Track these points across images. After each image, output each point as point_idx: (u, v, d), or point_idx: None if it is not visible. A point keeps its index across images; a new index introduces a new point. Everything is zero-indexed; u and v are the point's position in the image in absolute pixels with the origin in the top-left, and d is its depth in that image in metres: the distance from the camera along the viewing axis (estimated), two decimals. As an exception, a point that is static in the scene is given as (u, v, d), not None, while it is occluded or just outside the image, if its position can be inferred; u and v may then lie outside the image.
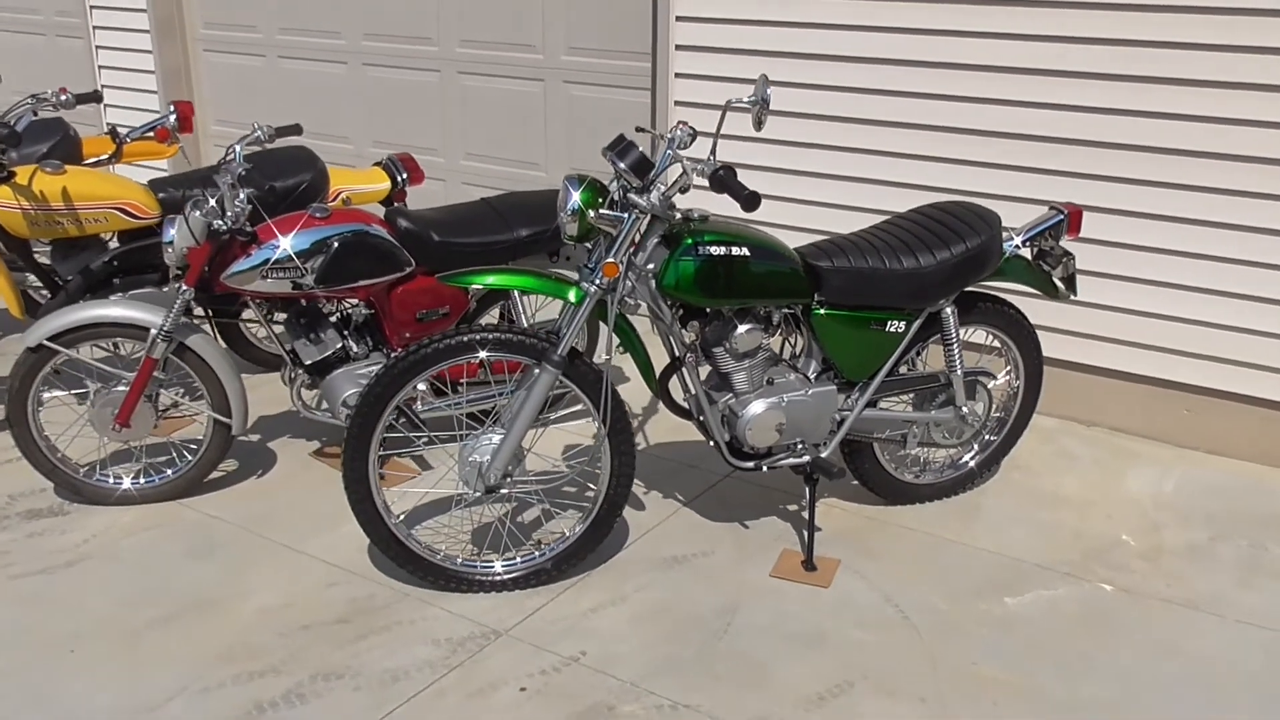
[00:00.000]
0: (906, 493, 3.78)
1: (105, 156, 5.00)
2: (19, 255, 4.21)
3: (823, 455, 3.43)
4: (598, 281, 3.01)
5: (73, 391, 4.46)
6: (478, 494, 3.17)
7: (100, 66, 7.52)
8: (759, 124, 2.82)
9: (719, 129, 2.95)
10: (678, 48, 5.11)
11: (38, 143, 4.45)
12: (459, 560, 3.30)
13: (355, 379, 3.79)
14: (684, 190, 2.91)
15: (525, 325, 4.01)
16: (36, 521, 3.68)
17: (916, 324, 3.40)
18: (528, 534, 3.57)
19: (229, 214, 3.49)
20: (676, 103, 5.20)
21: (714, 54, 4.99)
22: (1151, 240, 4.12)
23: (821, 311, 3.31)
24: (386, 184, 4.74)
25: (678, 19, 5.07)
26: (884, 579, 3.39)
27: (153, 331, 3.55)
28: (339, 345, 3.82)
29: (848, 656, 3.02)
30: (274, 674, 2.93)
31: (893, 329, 3.36)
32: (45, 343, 3.51)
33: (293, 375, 3.89)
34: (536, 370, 3.08)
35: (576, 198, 2.98)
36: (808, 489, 3.48)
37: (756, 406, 3.30)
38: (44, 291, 4.45)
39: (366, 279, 3.72)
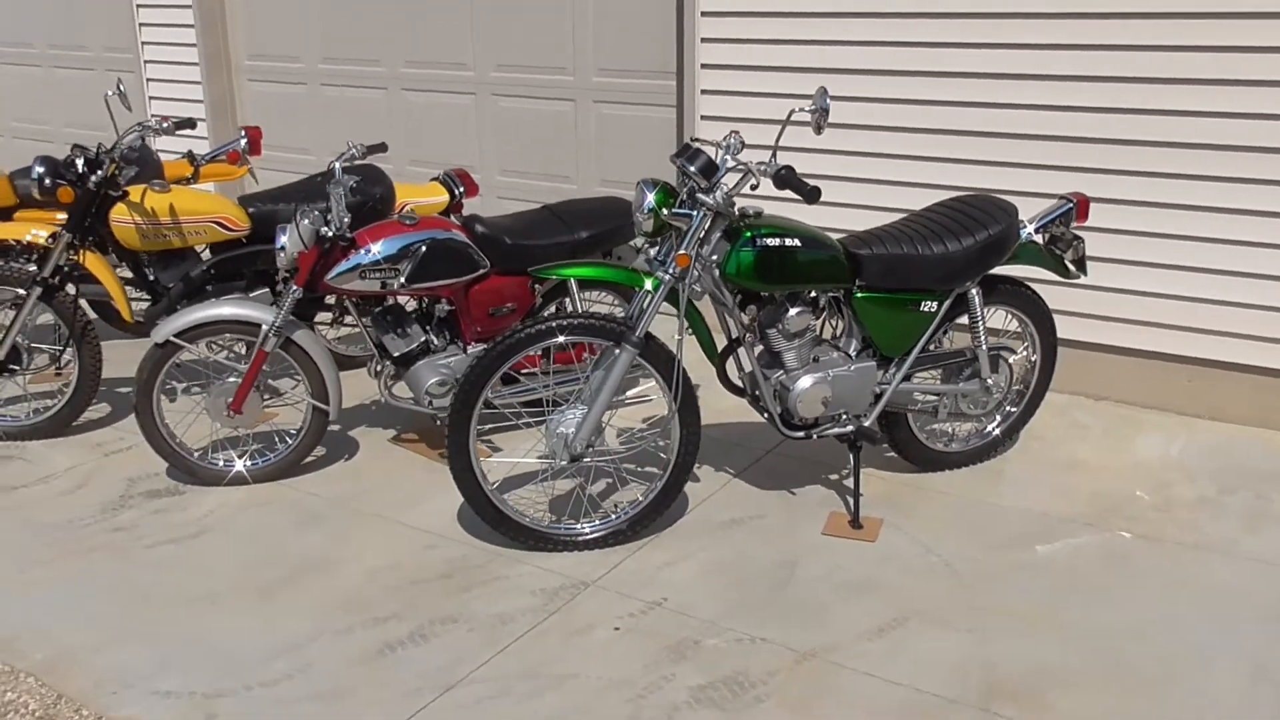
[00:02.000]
0: (937, 460, 4.19)
1: (185, 178, 5.42)
2: (129, 265, 4.62)
3: (865, 424, 3.84)
4: (671, 271, 3.44)
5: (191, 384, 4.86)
6: (563, 463, 3.58)
7: (151, 97, 7.94)
8: (819, 129, 3.26)
9: (780, 134, 3.37)
10: (703, 66, 5.56)
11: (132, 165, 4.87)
12: (546, 523, 3.70)
13: (437, 369, 4.20)
14: (754, 188, 3.34)
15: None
16: (157, 500, 4.08)
17: (946, 304, 3.82)
18: (595, 502, 3.97)
19: (333, 222, 3.91)
20: (703, 117, 5.63)
21: (738, 71, 5.43)
22: (1147, 225, 4.57)
23: (862, 295, 3.73)
24: (445, 197, 5.16)
25: (703, 40, 5.52)
26: (923, 534, 3.79)
27: (265, 327, 3.96)
28: (422, 339, 4.22)
29: (898, 598, 3.42)
30: (396, 620, 3.33)
31: (925, 308, 3.79)
32: (172, 339, 3.92)
33: (380, 367, 4.29)
34: (617, 351, 3.49)
35: (651, 198, 3.41)
36: (852, 455, 3.89)
37: (805, 381, 3.71)
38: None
39: (448, 279, 4.13)
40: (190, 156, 5.54)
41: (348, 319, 4.81)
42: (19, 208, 5.31)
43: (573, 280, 4.44)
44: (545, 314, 4.61)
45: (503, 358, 3.49)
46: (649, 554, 3.69)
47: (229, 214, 4.60)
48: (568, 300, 4.60)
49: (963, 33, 4.75)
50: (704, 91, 5.56)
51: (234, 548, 3.75)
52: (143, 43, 7.83)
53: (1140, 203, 4.56)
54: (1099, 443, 4.48)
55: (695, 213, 3.42)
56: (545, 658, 3.14)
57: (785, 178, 3.25)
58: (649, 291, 3.47)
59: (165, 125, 4.62)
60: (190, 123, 4.89)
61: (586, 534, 3.67)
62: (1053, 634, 3.23)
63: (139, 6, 7.75)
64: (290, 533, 3.85)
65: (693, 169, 3.37)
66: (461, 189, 5.17)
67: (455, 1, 6.52)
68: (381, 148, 4.31)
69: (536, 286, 4.39)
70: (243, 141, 5.49)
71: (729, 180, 3.49)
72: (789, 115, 3.34)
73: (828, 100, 3.22)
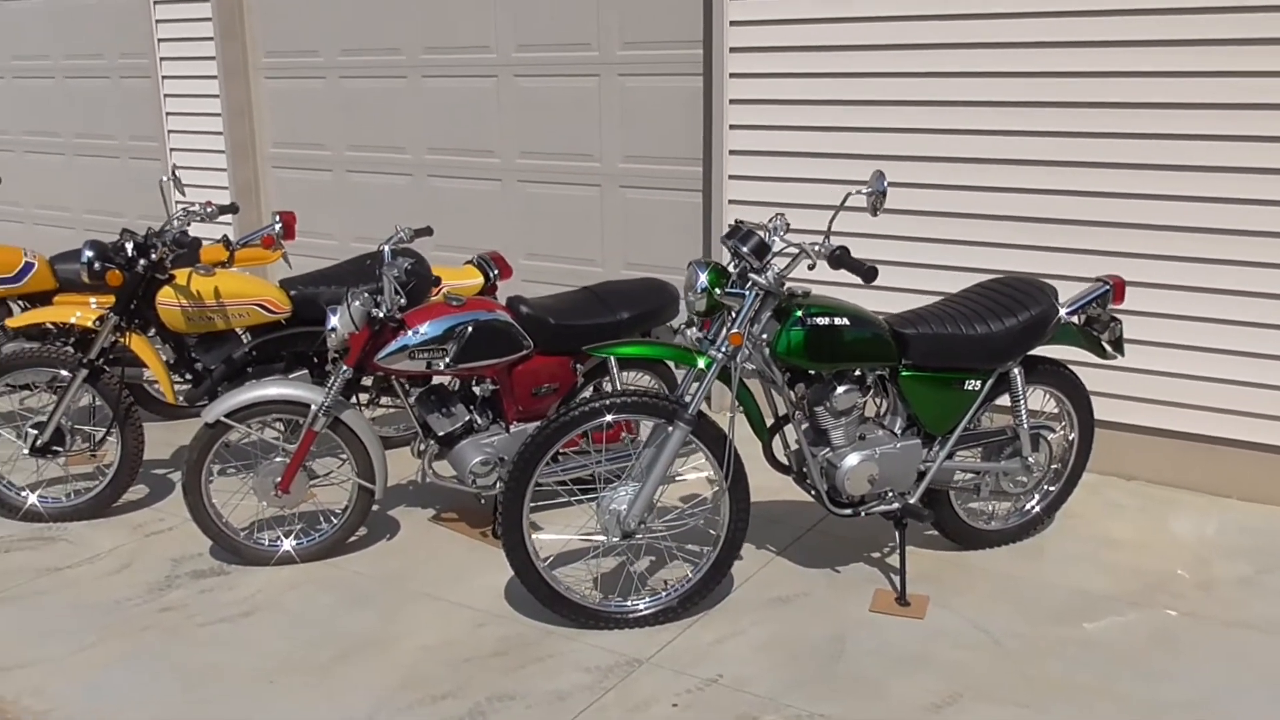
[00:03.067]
0: (978, 538, 4.23)
1: (221, 262, 5.51)
2: (173, 348, 4.69)
3: (910, 502, 3.89)
4: (724, 350, 3.51)
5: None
6: (615, 539, 3.61)
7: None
8: (874, 212, 3.36)
9: (834, 216, 3.48)
10: (731, 153, 5.70)
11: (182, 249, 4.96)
12: (595, 600, 3.72)
13: (481, 448, 4.25)
14: (811, 268, 3.43)
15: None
16: (203, 580, 4.10)
17: (990, 383, 3.90)
18: (643, 579, 3.99)
19: (384, 303, 3.99)
20: (731, 201, 5.77)
21: (765, 157, 5.58)
22: (1174, 308, 4.67)
23: (907, 373, 3.80)
24: (480, 279, 5.25)
25: (731, 127, 5.67)
26: (970, 610, 3.82)
27: (314, 407, 4.01)
28: (466, 418, 4.28)
29: (951, 673, 3.44)
30: (453, 698, 3.33)
31: (969, 387, 3.86)
32: (222, 419, 3.96)
33: (423, 446, 4.34)
34: (669, 428, 3.55)
35: (704, 278, 3.50)
36: (897, 533, 3.93)
37: (853, 459, 3.77)
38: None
39: (493, 359, 4.20)
40: (226, 241, 5.64)
41: (383, 399, 4.87)
42: (58, 291, 5.39)
43: (613, 360, 4.51)
44: (587, 394, 4.68)
45: (557, 435, 3.55)
46: (699, 631, 3.71)
47: (271, 297, 4.68)
48: (606, 380, 4.67)
49: (997, 120, 4.90)
50: (731, 177, 5.70)
51: (285, 627, 3.76)
52: (169, 131, 7.99)
53: (1166, 286, 4.67)
54: (1135, 521, 4.52)
55: (748, 292, 3.51)
56: (606, 735, 3.14)
57: (841, 258, 3.34)
58: (702, 370, 3.54)
59: (209, 210, 4.72)
60: (234, 208, 5.01)
61: (641, 610, 3.69)
62: (1109, 708, 3.24)
63: (166, 96, 7.92)
64: (340, 611, 3.86)
65: (745, 249, 3.46)
66: (496, 271, 5.26)
67: (481, 91, 6.69)
68: (427, 231, 4.41)
69: (578, 366, 4.45)
70: (277, 226, 5.59)
71: (778, 261, 3.58)
72: (845, 199, 3.44)
73: (884, 183, 3.32)
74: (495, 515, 4.48)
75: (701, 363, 3.54)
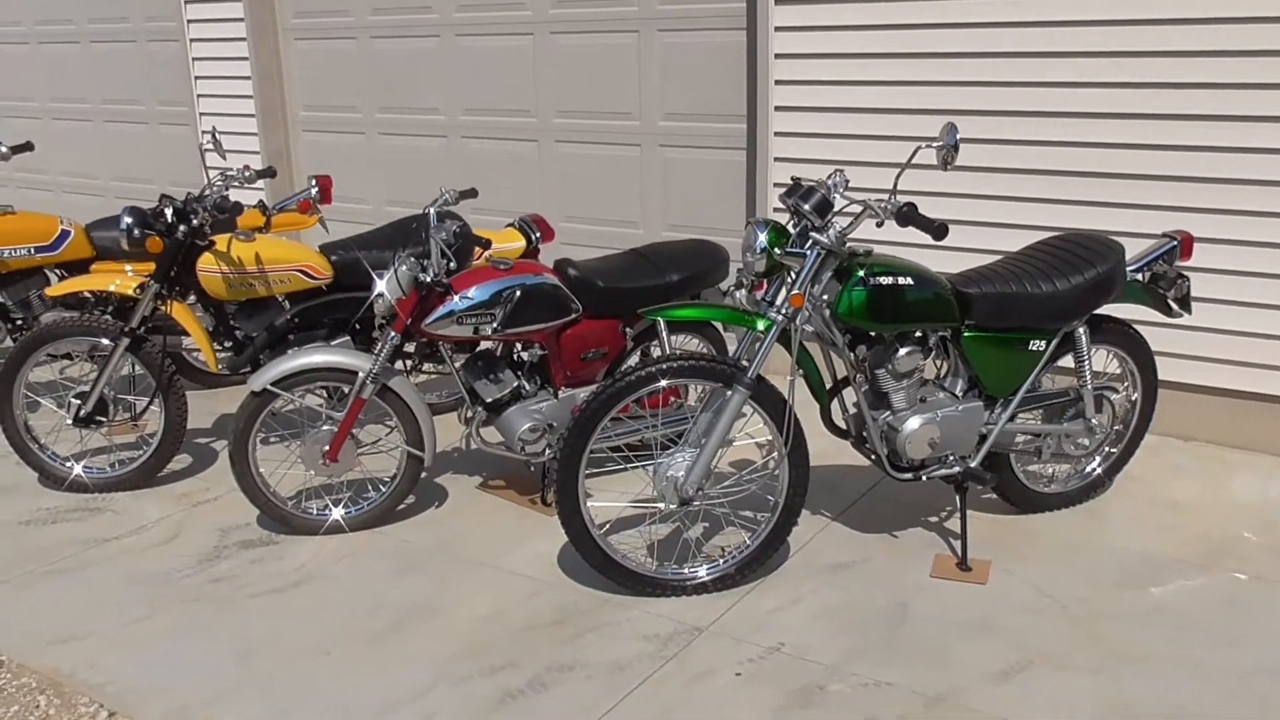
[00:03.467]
0: (1038, 502, 4.14)
1: (258, 227, 5.44)
2: (215, 316, 4.62)
3: (971, 466, 3.80)
4: (785, 312, 3.41)
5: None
6: (672, 506, 3.54)
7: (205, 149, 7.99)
8: (945, 165, 3.24)
9: (901, 172, 3.36)
10: (777, 109, 5.57)
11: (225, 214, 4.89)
12: (651, 568, 3.66)
13: (529, 414, 4.17)
14: (879, 225, 3.32)
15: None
16: (252, 550, 4.05)
17: (1054, 343, 3.79)
18: (696, 546, 3.92)
19: (431, 268, 3.90)
20: (776, 159, 5.64)
21: (813, 113, 5.44)
22: (1234, 264, 4.53)
23: (970, 334, 3.70)
24: (522, 242, 5.16)
25: (777, 82, 5.53)
26: (1033, 575, 3.73)
27: (361, 375, 3.95)
28: (514, 384, 4.20)
29: (1018, 639, 3.36)
30: (512, 668, 3.28)
31: (1034, 348, 3.75)
32: (269, 387, 3.90)
33: (470, 413, 4.26)
34: (728, 393, 3.46)
35: (764, 238, 3.40)
36: (958, 497, 3.84)
37: (914, 422, 3.68)
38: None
39: (542, 323, 4.12)
40: (262, 206, 5.57)
41: (425, 365, 4.80)
42: (95, 259, 5.34)
43: (662, 323, 4.42)
44: (634, 359, 4.60)
45: (613, 401, 3.47)
46: (757, 598, 3.64)
47: (312, 262, 4.60)
48: (654, 344, 4.59)
49: (1058, 72, 4.75)
50: (777, 134, 5.57)
51: (338, 596, 3.71)
52: (198, 95, 7.90)
53: (1227, 241, 4.53)
54: (1196, 483, 4.42)
55: (809, 252, 3.40)
56: (670, 704, 3.09)
57: (908, 215, 3.23)
58: (761, 333, 3.45)
59: (247, 175, 4.64)
60: (271, 172, 4.92)
61: (701, 577, 3.62)
62: (1185, 675, 3.16)
63: (195, 60, 7.83)
64: (392, 580, 3.81)
65: (807, 207, 3.36)
66: (538, 234, 5.17)
67: (517, 49, 6.57)
68: (472, 193, 4.32)
69: (627, 330, 4.36)
70: (314, 190, 5.52)
71: (840, 219, 3.47)
72: (914, 153, 3.33)
73: (956, 136, 3.20)
74: (544, 482, 4.42)
75: (761, 325, 3.45)
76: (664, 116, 6.17)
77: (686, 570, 3.66)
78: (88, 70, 8.76)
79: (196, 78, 7.87)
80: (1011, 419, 3.85)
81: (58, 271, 5.31)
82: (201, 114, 7.94)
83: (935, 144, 3.25)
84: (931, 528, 4.10)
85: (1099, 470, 4.20)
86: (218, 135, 4.52)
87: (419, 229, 4.65)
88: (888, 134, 5.22)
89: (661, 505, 3.56)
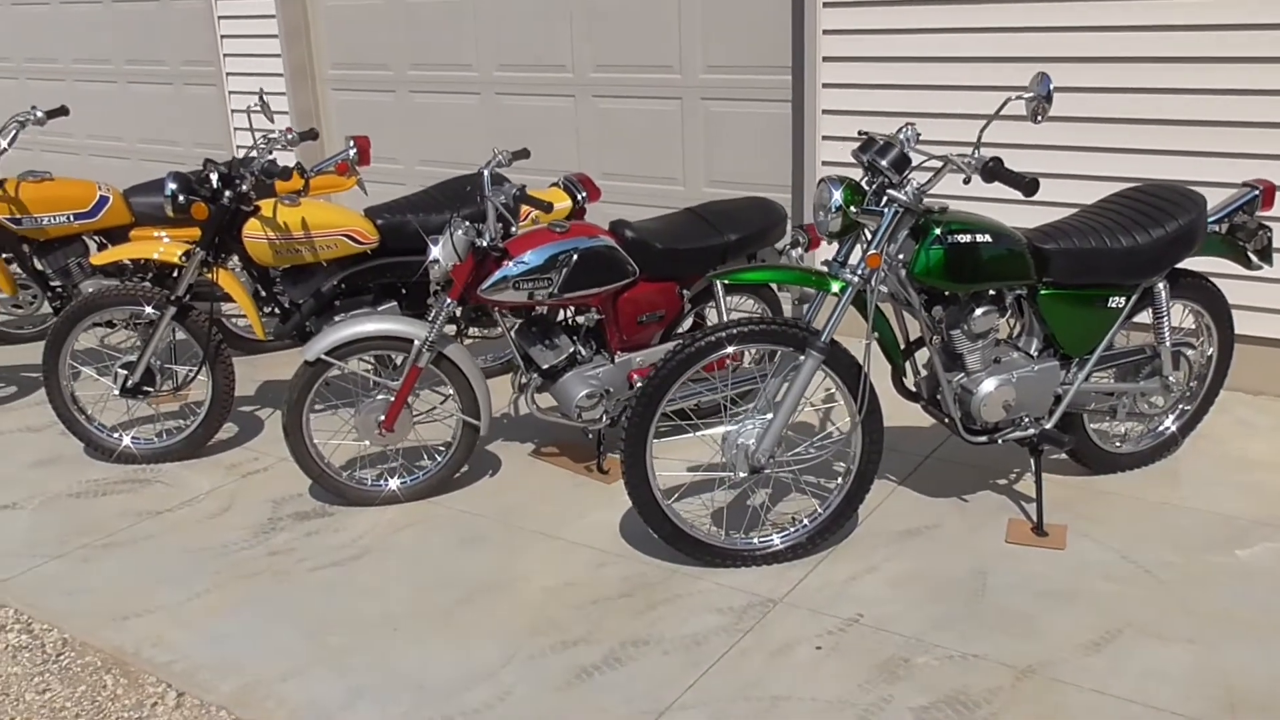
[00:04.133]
0: (1111, 462, 4.03)
1: (296, 191, 5.31)
2: (260, 282, 4.52)
3: (1047, 427, 3.68)
4: (861, 272, 3.29)
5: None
6: (742, 475, 3.44)
7: (234, 110, 7.87)
8: (1036, 118, 3.10)
9: (987, 124, 3.21)
10: (825, 59, 5.40)
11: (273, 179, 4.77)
12: (722, 537, 3.57)
13: (586, 380, 4.07)
14: (966, 181, 3.19)
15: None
16: (308, 522, 3.98)
17: (1134, 299, 3.66)
18: (759, 514, 3.82)
19: (487, 232, 3.79)
20: (825, 111, 5.48)
21: (862, 64, 5.28)
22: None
23: (1047, 291, 3.57)
24: (568, 203, 5.02)
25: (825, 32, 5.36)
26: (1112, 539, 3.63)
27: (417, 343, 3.85)
28: (570, 350, 4.09)
29: (1105, 607, 3.26)
30: (586, 643, 3.20)
31: (1113, 305, 3.63)
32: (323, 356, 3.81)
33: (524, 380, 4.16)
34: (800, 357, 3.35)
35: (839, 196, 3.27)
36: (1033, 460, 3.73)
37: (989, 384, 3.56)
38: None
39: (600, 287, 4.00)
40: (300, 168, 5.44)
41: (471, 330, 4.70)
42: (133, 225, 5.24)
43: (719, 285, 4.30)
44: (687, 322, 4.48)
45: (682, 367, 3.36)
46: (830, 567, 3.55)
47: (359, 227, 4.49)
48: (710, 306, 4.47)
49: (1131, 15, 4.56)
50: (825, 85, 5.41)
51: (400, 569, 3.64)
52: (224, 55, 7.76)
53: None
54: (1270, 439, 4.30)
55: (886, 210, 3.27)
56: (751, 679, 3.00)
57: (995, 170, 3.09)
58: (835, 295, 3.33)
59: (289, 137, 4.52)
60: (313, 134, 4.80)
61: (776, 545, 3.53)
62: (1281, 644, 3.06)
63: (221, 19, 7.67)
64: (453, 552, 3.74)
65: (884, 163, 3.22)
66: (584, 194, 5.03)
67: (550, 1, 6.40)
68: (524, 154, 4.19)
69: (684, 292, 4.25)
70: (352, 152, 5.37)
71: (918, 176, 3.33)
72: (1002, 104, 3.18)
73: (1049, 86, 3.06)
74: (599, 449, 4.32)
75: (835, 287, 3.32)
76: (706, 69, 6.01)
77: (757, 540, 3.57)
78: (111, 31, 8.61)
79: (223, 36, 7.73)
80: (1087, 378, 3.73)
81: (96, 238, 5.21)
82: (228, 74, 7.80)
83: (1025, 95, 3.11)
84: (1001, 491, 3.99)
85: (1173, 429, 4.08)
86: (265, 97, 4.38)
87: (471, 191, 4.52)
88: (945, 83, 5.06)
89: (731, 473, 3.46)
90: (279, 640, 3.27)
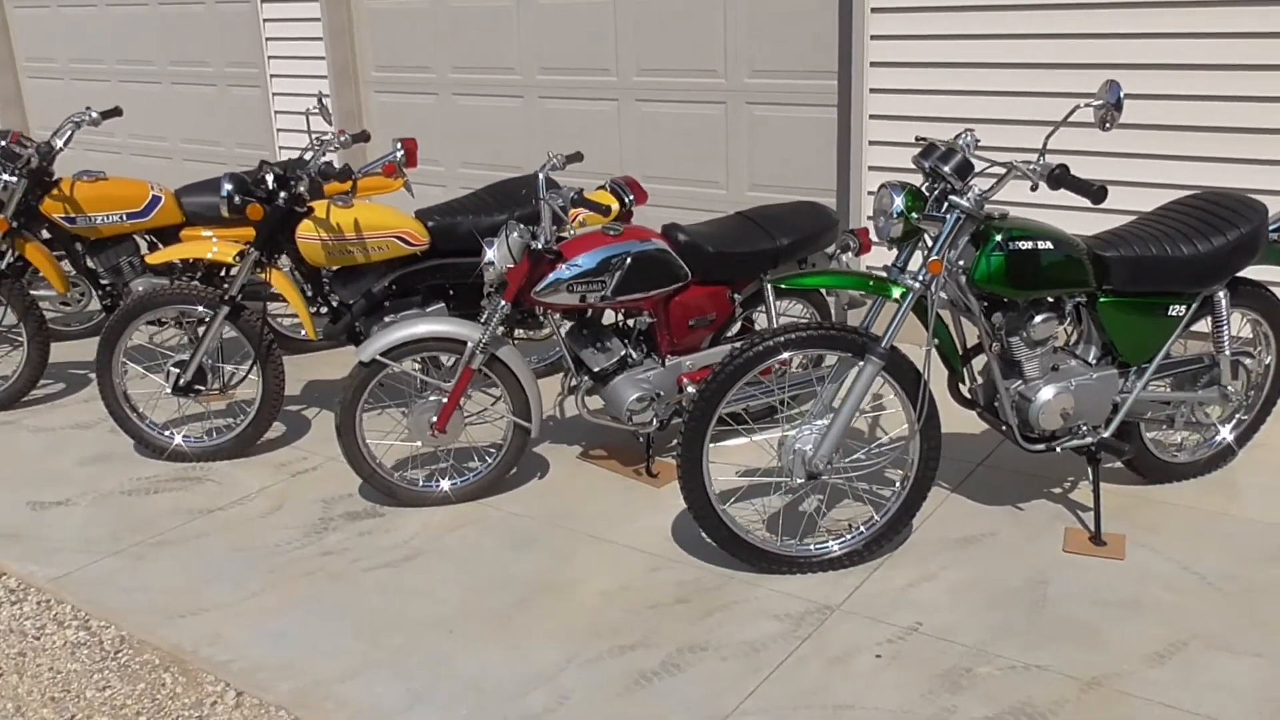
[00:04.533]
0: (1167, 472, 3.99)
1: (344, 192, 5.33)
2: (310, 283, 4.54)
3: (1105, 436, 3.65)
4: (922, 278, 3.27)
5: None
6: (799, 480, 3.42)
7: (276, 111, 7.91)
8: (1104, 126, 3.07)
9: (1053, 131, 3.19)
10: (873, 65, 5.38)
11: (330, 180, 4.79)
12: (778, 543, 3.55)
13: (637, 383, 4.06)
14: (1034, 189, 3.16)
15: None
16: (359, 522, 3.99)
17: (1194, 307, 3.62)
18: (810, 521, 3.80)
19: (542, 235, 3.79)
20: (872, 116, 5.46)
21: (910, 69, 5.25)
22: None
23: (1107, 299, 3.54)
24: (615, 205, 5.02)
25: (873, 38, 5.34)
26: (1172, 550, 3.59)
27: (471, 344, 3.85)
28: (622, 352, 4.09)
29: (1169, 618, 3.22)
30: (644, 647, 3.19)
31: (1173, 313, 3.59)
32: (378, 357, 3.82)
33: (574, 382, 4.16)
34: (860, 363, 3.33)
35: (900, 202, 3.25)
36: (1090, 469, 3.70)
37: (1048, 391, 3.53)
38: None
39: (653, 290, 4.00)
40: (347, 170, 5.46)
41: (517, 332, 4.70)
42: (183, 225, 5.27)
43: (769, 290, 4.29)
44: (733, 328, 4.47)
45: (740, 372, 3.35)
46: (888, 575, 3.52)
47: (410, 229, 4.50)
48: (759, 310, 4.46)
49: (1189, 22, 4.52)
50: (873, 90, 5.39)
51: (453, 570, 3.64)
52: (269, 56, 7.80)
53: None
54: (1330, 450, 4.25)
55: (948, 216, 3.25)
56: (812, 687, 2.99)
57: (1062, 177, 3.07)
58: (896, 301, 3.31)
59: (343, 139, 4.54)
60: (365, 136, 4.81)
61: (834, 552, 3.51)
62: (1349, 659, 3.02)
63: (266, 21, 7.72)
64: (506, 554, 3.74)
65: (947, 169, 3.20)
66: (631, 197, 5.02)
67: (596, 6, 6.40)
68: (578, 157, 4.19)
69: (735, 296, 4.24)
70: (399, 154, 5.39)
71: (980, 182, 3.31)
72: (1070, 111, 3.16)
73: (1119, 94, 3.03)
74: (648, 453, 4.32)
75: (896, 293, 3.31)
76: (750, 73, 6.00)
77: (814, 546, 3.55)
78: (156, 32, 8.68)
79: (268, 39, 7.77)
80: (1145, 387, 3.69)
81: (147, 237, 5.25)
82: (272, 75, 7.84)
83: (1094, 102, 3.08)
84: (1055, 499, 3.96)
85: (1229, 438, 4.04)
86: (324, 100, 4.39)
87: (526, 194, 4.53)
88: (997, 89, 5.03)
89: (787, 479, 3.44)
90: (336, 640, 3.28)
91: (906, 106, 5.30)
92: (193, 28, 8.38)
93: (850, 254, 4.43)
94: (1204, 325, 3.79)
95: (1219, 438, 4.06)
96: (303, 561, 3.74)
